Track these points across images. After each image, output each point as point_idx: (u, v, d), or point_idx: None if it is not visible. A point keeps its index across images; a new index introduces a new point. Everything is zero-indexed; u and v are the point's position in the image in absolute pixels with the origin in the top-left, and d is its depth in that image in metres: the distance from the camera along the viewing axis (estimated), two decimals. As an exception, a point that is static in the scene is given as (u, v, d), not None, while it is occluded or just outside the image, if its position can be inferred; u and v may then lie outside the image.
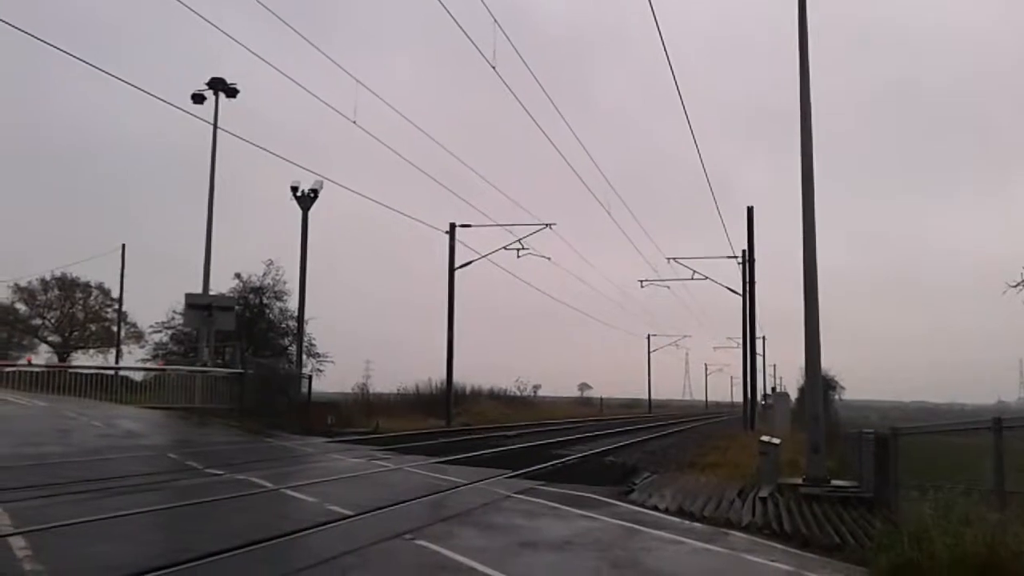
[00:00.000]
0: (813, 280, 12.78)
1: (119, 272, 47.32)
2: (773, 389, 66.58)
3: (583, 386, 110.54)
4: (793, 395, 46.15)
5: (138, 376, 31.10)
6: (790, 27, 13.57)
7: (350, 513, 8.50)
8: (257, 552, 6.50)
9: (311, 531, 7.50)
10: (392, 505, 9.37)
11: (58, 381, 26.03)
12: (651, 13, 12.49)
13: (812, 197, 12.98)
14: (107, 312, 55.71)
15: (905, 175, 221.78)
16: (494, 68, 11.79)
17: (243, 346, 30.44)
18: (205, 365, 24.93)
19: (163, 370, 27.47)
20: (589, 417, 53.10)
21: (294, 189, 26.06)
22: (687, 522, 9.46)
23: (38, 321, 55.07)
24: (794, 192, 13.13)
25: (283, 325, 34.09)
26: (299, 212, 26.28)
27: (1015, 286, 11.82)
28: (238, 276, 33.70)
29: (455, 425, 29.73)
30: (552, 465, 15.30)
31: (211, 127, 25.82)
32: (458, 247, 31.76)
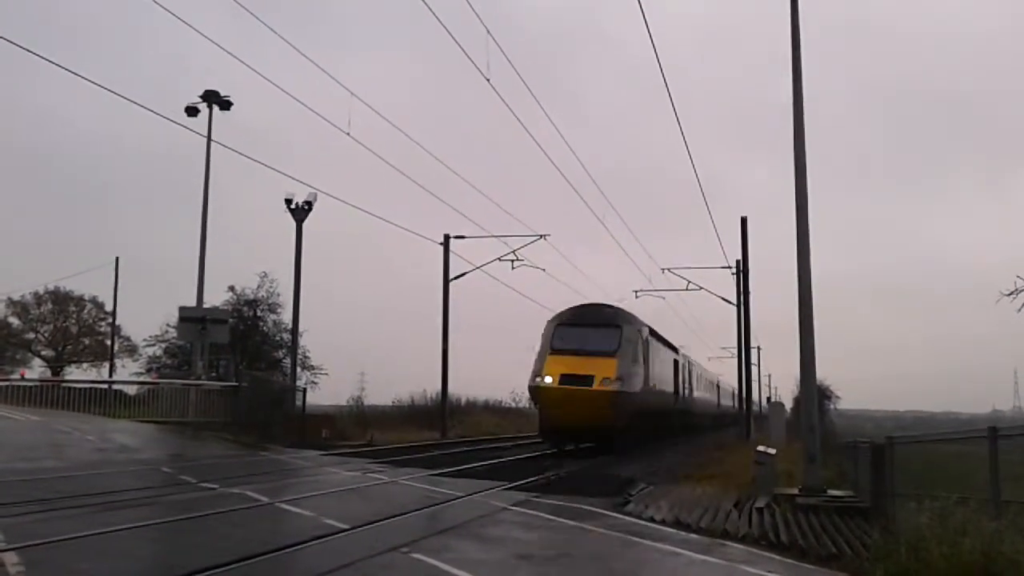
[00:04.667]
0: (807, 291, 12.81)
1: (112, 285, 47.13)
2: (768, 399, 66.60)
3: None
4: (789, 405, 46.17)
5: (132, 390, 30.94)
6: (785, 31, 13.69)
7: (345, 527, 8.46)
8: (252, 567, 6.46)
9: (306, 545, 7.45)
10: (388, 518, 9.32)
11: (52, 395, 25.89)
12: (644, 21, 12.54)
13: (806, 211, 13.01)
14: (101, 326, 55.53)
15: (902, 180, 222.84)
16: (488, 80, 11.83)
17: (237, 359, 30.33)
18: (199, 378, 24.83)
19: (157, 384, 27.34)
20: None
21: (288, 201, 26.06)
22: (684, 533, 9.43)
23: (31, 335, 54.83)
24: (789, 197, 13.18)
25: (277, 338, 34.01)
26: (293, 224, 26.30)
27: (1009, 295, 11.85)
28: (232, 289, 33.66)
29: (450, 437, 29.61)
30: (548, 477, 15.25)
31: (204, 139, 25.83)
32: (452, 258, 31.75)
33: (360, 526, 8.59)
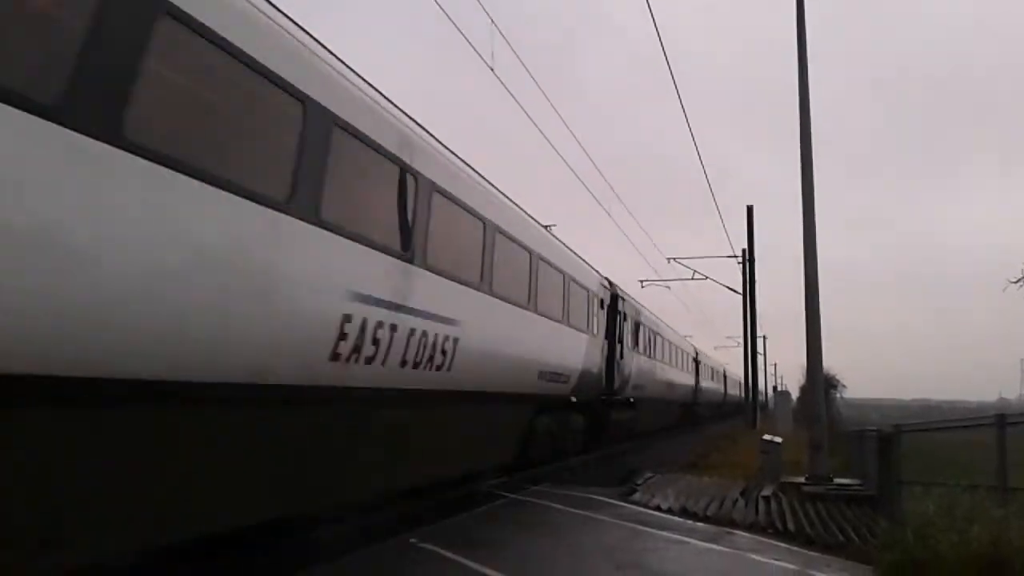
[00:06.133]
0: (814, 280, 12.78)
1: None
2: (774, 388, 66.66)
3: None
4: (795, 394, 46.22)
5: None
6: (792, 18, 13.64)
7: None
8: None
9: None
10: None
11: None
12: (648, 8, 12.47)
13: (812, 200, 12.97)
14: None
15: (910, 167, 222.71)
16: (492, 70, 11.74)
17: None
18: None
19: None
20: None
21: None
22: (690, 522, 9.47)
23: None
24: (796, 184, 13.14)
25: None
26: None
27: (1016, 282, 11.84)
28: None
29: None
30: (554, 467, 15.27)
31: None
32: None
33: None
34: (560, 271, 13.00)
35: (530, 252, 11.36)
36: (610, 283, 17.83)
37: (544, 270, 11.92)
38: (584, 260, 15.42)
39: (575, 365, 13.84)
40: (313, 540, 7.27)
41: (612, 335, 17.39)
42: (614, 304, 17.84)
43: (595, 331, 15.49)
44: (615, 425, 18.81)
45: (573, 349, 13.75)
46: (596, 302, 15.78)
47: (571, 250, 14.48)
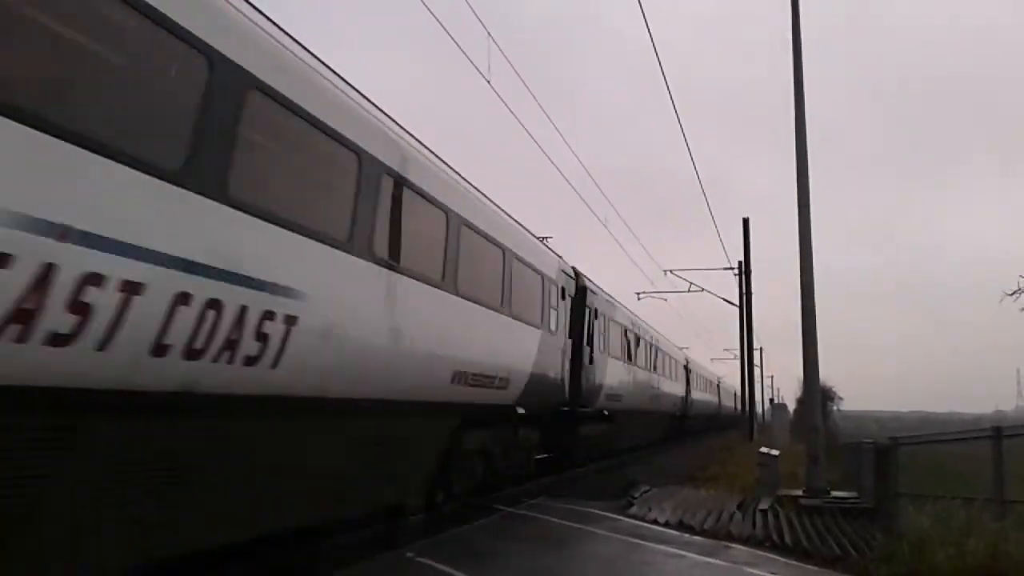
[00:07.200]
0: (810, 295, 12.76)
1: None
2: (771, 400, 66.58)
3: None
4: (791, 406, 46.15)
5: None
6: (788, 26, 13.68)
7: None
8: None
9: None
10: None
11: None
12: (644, 20, 12.54)
13: (808, 214, 12.96)
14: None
15: (907, 178, 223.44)
16: (488, 82, 11.81)
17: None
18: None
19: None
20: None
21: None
22: (687, 535, 9.42)
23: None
24: (792, 195, 13.08)
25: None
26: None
27: (1012, 294, 11.87)
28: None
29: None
30: (551, 480, 15.23)
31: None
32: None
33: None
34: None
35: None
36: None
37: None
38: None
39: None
40: (305, 554, 7.23)
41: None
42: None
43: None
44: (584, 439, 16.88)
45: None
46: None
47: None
